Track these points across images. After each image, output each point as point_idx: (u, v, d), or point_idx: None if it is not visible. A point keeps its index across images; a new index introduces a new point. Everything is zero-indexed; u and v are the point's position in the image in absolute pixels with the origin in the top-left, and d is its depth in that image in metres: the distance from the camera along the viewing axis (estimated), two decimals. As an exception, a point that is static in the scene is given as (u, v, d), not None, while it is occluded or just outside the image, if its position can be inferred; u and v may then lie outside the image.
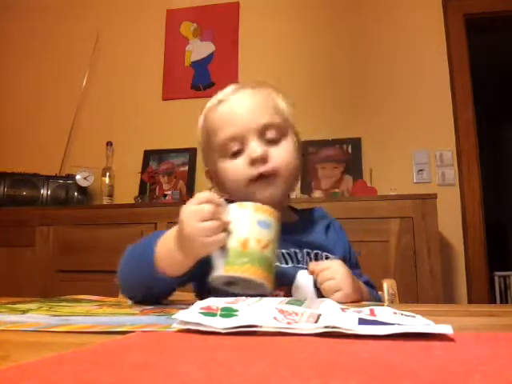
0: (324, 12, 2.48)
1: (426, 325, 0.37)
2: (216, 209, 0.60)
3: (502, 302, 3.41)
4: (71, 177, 2.35)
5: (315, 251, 0.80)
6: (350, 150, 2.28)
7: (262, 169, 0.76)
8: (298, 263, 0.78)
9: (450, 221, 2.10)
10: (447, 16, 2.34)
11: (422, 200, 1.78)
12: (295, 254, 0.78)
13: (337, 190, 2.11)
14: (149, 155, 2.51)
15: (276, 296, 0.73)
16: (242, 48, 2.54)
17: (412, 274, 1.72)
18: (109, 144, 2.46)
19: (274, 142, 0.78)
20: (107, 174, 2.40)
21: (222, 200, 0.62)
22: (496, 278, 3.47)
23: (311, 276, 0.76)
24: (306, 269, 0.77)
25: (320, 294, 0.75)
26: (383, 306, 0.57)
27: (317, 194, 2.17)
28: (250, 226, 0.61)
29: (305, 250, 0.79)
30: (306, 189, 2.25)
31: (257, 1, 2.57)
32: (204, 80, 2.55)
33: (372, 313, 0.42)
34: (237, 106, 0.79)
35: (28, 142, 2.64)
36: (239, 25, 2.56)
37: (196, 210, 0.60)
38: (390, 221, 1.76)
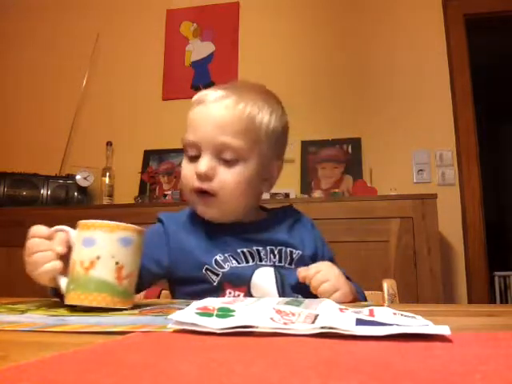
0: (324, 12, 2.48)
1: (424, 325, 0.37)
2: (40, 241, 0.61)
3: (502, 302, 3.41)
4: (71, 177, 2.35)
5: (279, 247, 0.81)
6: (350, 150, 2.28)
7: (202, 185, 0.77)
8: (261, 261, 0.79)
9: (449, 221, 2.10)
10: (447, 16, 2.34)
11: (421, 200, 1.78)
12: (258, 251, 0.79)
13: (337, 190, 2.11)
14: (149, 155, 2.51)
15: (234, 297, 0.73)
16: (241, 48, 2.54)
17: (412, 273, 1.71)
18: (109, 144, 2.46)
19: (228, 162, 0.77)
20: (107, 173, 2.40)
21: (62, 227, 0.62)
22: (496, 278, 3.47)
23: (272, 272, 0.77)
24: (270, 266, 0.78)
25: (284, 292, 0.76)
26: (383, 306, 0.57)
27: (317, 193, 2.16)
28: (76, 248, 0.58)
29: (268, 248, 0.80)
30: (306, 189, 2.25)
31: (257, 1, 2.57)
32: (204, 80, 2.54)
33: (371, 313, 0.42)
34: (207, 116, 0.78)
35: (28, 142, 2.64)
36: (239, 25, 2.56)
37: (25, 247, 0.61)
38: (390, 221, 1.76)
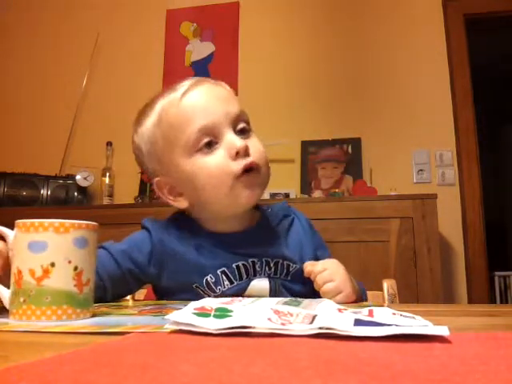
0: (324, 12, 2.48)
1: (423, 326, 0.37)
2: None
3: (502, 302, 3.41)
4: (71, 177, 2.35)
5: (275, 260, 0.75)
6: (350, 150, 2.28)
7: (248, 160, 0.69)
8: (255, 275, 0.74)
9: (449, 221, 2.10)
10: (447, 16, 2.34)
11: (421, 200, 1.78)
12: (253, 264, 0.74)
13: (337, 190, 2.11)
14: (149, 155, 2.51)
15: None
16: (241, 48, 2.53)
17: (412, 273, 1.71)
18: (109, 144, 2.46)
19: (245, 134, 0.72)
20: (107, 174, 2.40)
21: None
22: (496, 278, 3.46)
23: (266, 283, 0.74)
24: (265, 278, 0.75)
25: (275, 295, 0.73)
26: (383, 306, 0.57)
27: (317, 193, 2.17)
28: (19, 254, 0.48)
29: (264, 259, 0.75)
30: (306, 189, 2.25)
31: (257, 1, 2.57)
32: (204, 80, 2.54)
33: (370, 314, 0.42)
34: (205, 96, 0.71)
35: (28, 142, 2.64)
36: (239, 25, 2.56)
37: None
38: (390, 221, 1.76)
